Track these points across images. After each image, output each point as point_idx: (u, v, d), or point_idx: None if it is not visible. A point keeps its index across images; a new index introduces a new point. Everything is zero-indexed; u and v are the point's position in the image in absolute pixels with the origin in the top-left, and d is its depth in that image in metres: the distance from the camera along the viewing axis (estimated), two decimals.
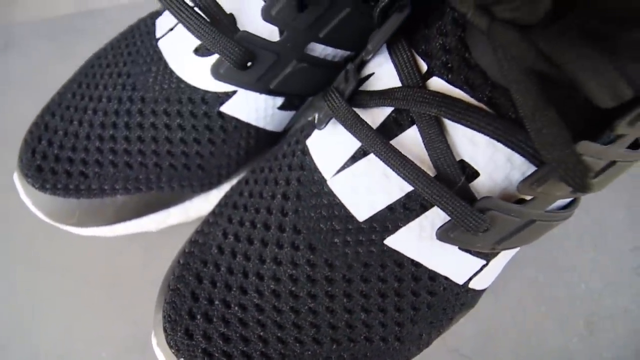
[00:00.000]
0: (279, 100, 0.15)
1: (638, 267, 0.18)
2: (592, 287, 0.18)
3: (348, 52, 0.15)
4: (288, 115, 0.16)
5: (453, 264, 0.12)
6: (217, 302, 0.12)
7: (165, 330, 0.12)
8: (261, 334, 0.12)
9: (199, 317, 0.12)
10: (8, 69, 0.24)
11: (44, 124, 0.16)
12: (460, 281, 0.13)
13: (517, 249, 0.14)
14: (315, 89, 0.16)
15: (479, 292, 0.14)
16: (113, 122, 0.15)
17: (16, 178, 0.16)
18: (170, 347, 0.12)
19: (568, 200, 0.13)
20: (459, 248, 0.12)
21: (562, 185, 0.10)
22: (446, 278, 0.13)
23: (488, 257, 0.13)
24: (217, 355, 0.12)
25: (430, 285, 0.13)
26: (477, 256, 0.13)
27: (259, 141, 0.16)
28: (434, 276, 0.13)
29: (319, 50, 0.14)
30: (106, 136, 0.15)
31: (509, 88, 0.09)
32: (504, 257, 0.13)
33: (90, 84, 0.16)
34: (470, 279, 0.13)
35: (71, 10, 0.25)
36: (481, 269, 0.13)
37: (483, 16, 0.08)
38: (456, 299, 0.13)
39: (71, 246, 0.20)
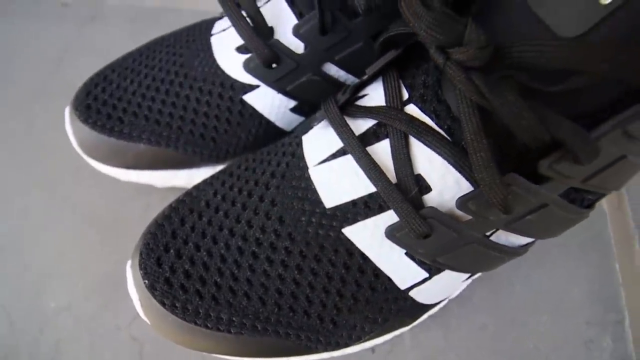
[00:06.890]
0: (292, 103, 0.18)
1: (589, 341, 0.19)
2: (540, 349, 0.19)
3: (357, 80, 0.18)
4: (296, 118, 0.19)
5: (398, 267, 0.14)
6: (190, 244, 0.14)
7: (141, 254, 0.14)
8: (217, 280, 0.14)
9: (171, 251, 0.14)
10: (90, 39, 0.28)
11: (103, 75, 0.19)
12: (402, 286, 0.14)
13: (464, 285, 0.15)
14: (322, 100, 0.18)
15: (419, 306, 0.15)
16: (157, 87, 0.18)
17: (67, 111, 0.19)
18: (140, 269, 0.14)
19: (524, 241, 0.14)
20: (405, 254, 0.14)
21: (493, 209, 0.12)
22: (389, 279, 0.14)
23: (431, 270, 0.14)
24: (175, 286, 0.14)
25: (373, 281, 0.14)
26: (421, 267, 0.14)
27: (267, 133, 0.19)
28: (378, 273, 0.14)
29: (334, 70, 0.17)
30: (148, 95, 0.18)
31: (459, 117, 0.11)
32: (448, 276, 0.15)
33: (149, 56, 0.20)
34: (412, 287, 0.14)
35: (156, 5, 0.30)
36: (423, 280, 0.14)
37: (440, 55, 0.11)
38: (394, 302, 0.15)
39: (85, 187, 0.23)
